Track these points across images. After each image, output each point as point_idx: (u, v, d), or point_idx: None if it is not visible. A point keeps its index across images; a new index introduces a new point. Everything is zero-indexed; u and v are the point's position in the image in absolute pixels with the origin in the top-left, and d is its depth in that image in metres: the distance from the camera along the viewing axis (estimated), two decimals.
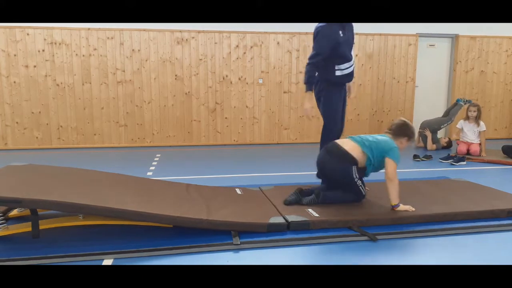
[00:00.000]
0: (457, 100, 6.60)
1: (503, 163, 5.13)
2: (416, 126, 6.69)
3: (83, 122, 6.42)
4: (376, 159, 3.06)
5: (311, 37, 6.95)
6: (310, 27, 6.69)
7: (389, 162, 2.98)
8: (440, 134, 7.43)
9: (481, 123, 5.67)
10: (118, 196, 2.72)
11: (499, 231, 2.70)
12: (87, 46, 6.27)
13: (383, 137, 3.11)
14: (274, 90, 6.87)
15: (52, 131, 6.37)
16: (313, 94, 3.67)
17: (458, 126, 5.80)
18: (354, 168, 3.05)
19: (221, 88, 6.72)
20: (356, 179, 3.05)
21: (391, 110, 7.28)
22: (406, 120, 3.20)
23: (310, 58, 3.48)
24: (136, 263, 2.22)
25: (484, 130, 5.66)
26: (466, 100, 6.54)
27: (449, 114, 6.50)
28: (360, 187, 3.07)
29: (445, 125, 6.46)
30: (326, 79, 3.56)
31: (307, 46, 6.74)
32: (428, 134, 6.21)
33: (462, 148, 5.61)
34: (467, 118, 5.73)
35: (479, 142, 5.62)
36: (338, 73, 3.55)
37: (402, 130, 3.12)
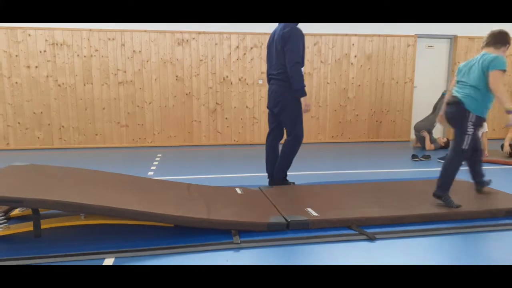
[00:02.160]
0: (442, 94, 6.60)
1: (503, 163, 5.14)
2: (413, 128, 6.76)
3: (85, 123, 6.45)
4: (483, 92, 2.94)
5: (311, 38, 7.00)
6: (309, 28, 6.76)
7: (490, 74, 2.86)
8: (439, 134, 7.46)
9: (484, 123, 5.62)
10: (119, 196, 2.74)
11: (498, 231, 2.72)
12: (89, 47, 6.29)
13: (479, 60, 2.95)
14: None
15: (54, 132, 6.39)
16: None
17: None
18: (471, 114, 2.95)
19: (221, 89, 6.74)
20: (468, 129, 2.95)
21: (390, 110, 7.29)
22: (500, 29, 3.03)
23: (294, 59, 3.38)
24: (137, 262, 2.24)
25: (486, 131, 5.65)
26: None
27: (437, 108, 6.50)
28: (467, 139, 2.95)
29: (437, 122, 6.46)
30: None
31: (306, 47, 6.76)
32: (426, 135, 6.24)
33: None
34: None
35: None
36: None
37: (501, 38, 2.99)
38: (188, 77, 6.63)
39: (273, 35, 3.66)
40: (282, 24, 3.56)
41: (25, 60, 6.15)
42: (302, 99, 3.53)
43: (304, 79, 3.48)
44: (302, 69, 3.54)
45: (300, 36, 3.46)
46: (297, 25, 3.53)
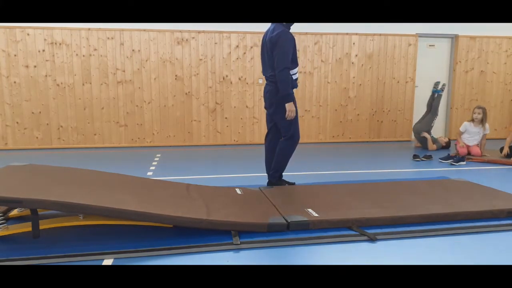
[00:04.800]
0: (433, 91, 6.52)
1: (503, 163, 5.13)
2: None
3: (83, 122, 6.43)
4: None
5: (311, 37, 6.99)
6: (310, 27, 6.74)
7: None
8: (440, 133, 7.44)
9: (487, 125, 5.56)
10: (118, 196, 2.72)
11: (499, 231, 2.71)
12: (87, 46, 6.27)
13: None
14: None
15: (52, 131, 6.37)
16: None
17: (462, 129, 5.63)
18: None
19: (221, 88, 6.73)
20: None
21: (391, 110, 7.28)
22: None
23: (282, 64, 3.35)
24: (136, 263, 2.22)
25: (487, 133, 5.59)
26: (441, 87, 6.50)
27: (432, 108, 6.46)
28: None
29: (434, 122, 6.45)
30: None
31: (307, 47, 6.74)
32: (427, 136, 6.22)
33: (463, 149, 5.50)
34: (472, 120, 5.58)
35: (477, 144, 5.55)
36: (294, 77, 3.50)
37: None
38: (188, 76, 6.61)
39: (265, 36, 3.61)
40: (273, 25, 3.51)
41: (24, 59, 6.13)
42: (287, 105, 3.48)
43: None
44: (296, 69, 3.50)
45: (290, 39, 3.40)
46: (289, 27, 3.49)
